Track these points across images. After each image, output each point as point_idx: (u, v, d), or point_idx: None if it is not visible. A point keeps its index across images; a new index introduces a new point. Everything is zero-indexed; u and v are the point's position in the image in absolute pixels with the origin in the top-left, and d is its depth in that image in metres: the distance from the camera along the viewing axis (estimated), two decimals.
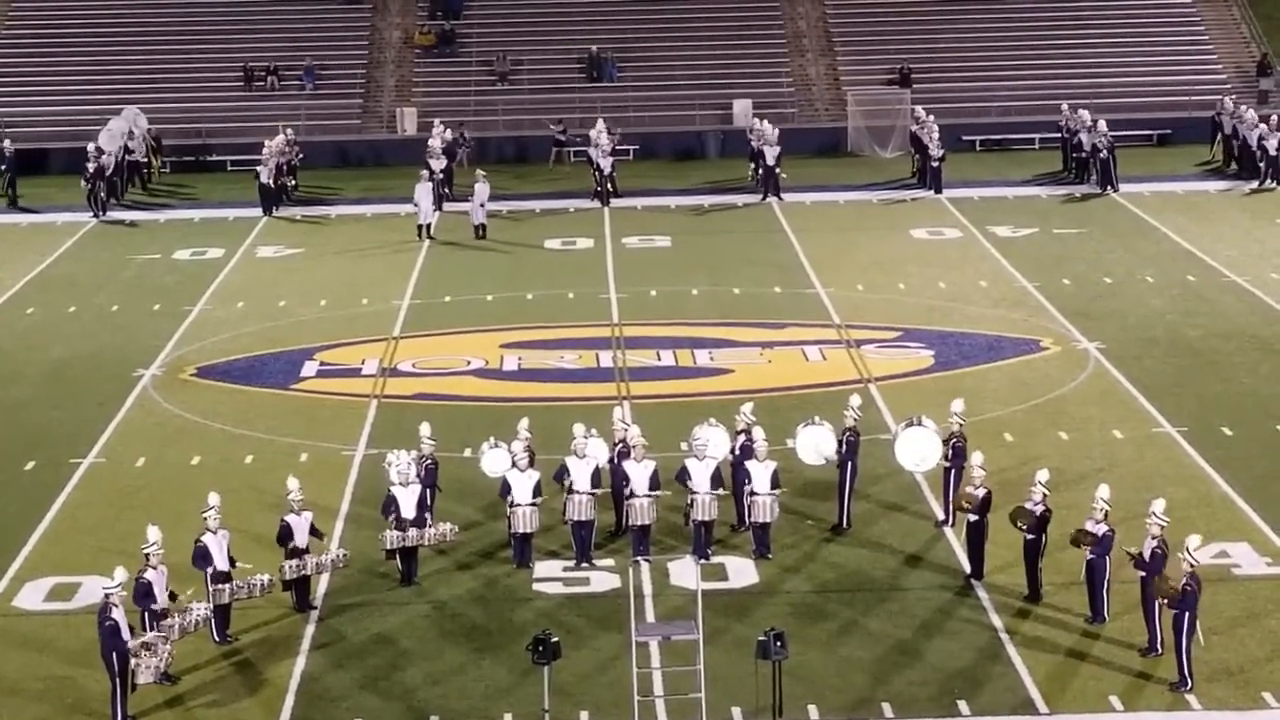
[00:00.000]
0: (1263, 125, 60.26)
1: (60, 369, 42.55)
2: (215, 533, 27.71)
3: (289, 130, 62.92)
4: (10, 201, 60.82)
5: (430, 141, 60.67)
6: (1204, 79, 69.79)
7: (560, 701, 25.04)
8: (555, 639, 24.52)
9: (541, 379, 40.93)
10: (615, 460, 30.88)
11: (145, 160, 63.98)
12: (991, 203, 58.65)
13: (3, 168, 61.31)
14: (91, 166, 58.76)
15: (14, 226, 58.56)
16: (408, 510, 29.37)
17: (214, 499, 28.19)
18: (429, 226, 55.03)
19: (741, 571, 29.80)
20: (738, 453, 31.07)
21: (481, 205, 54.97)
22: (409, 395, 39.84)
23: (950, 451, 31.29)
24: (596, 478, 30.19)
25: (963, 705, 25.22)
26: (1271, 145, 59.60)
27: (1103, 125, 59.85)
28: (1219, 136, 63.92)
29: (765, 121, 61.64)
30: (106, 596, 25.22)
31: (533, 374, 41.29)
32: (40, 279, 51.45)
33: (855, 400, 32.57)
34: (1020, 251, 51.84)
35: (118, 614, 25.08)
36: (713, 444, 30.66)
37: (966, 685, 25.78)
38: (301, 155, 62.47)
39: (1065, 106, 63.21)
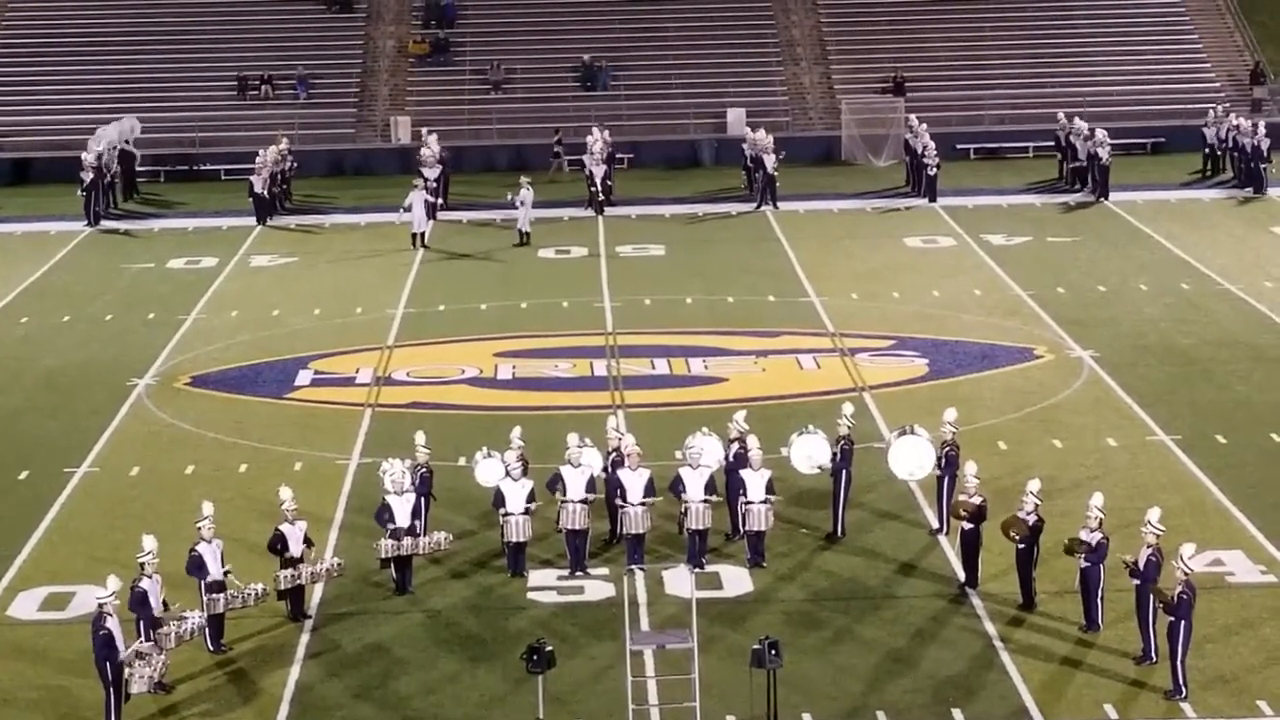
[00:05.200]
0: (1258, 131, 60.18)
1: (54, 378, 42.50)
2: (209, 542, 27.66)
3: (285, 140, 62.90)
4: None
5: (422, 150, 60.69)
6: (1198, 87, 69.87)
7: (555, 710, 25.01)
8: (550, 648, 24.55)
9: (536, 388, 40.88)
10: (610, 469, 30.88)
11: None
12: (985, 211, 58.68)
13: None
14: (88, 177, 58.78)
15: (7, 235, 58.53)
16: (402, 519, 29.36)
17: (208, 508, 28.14)
18: (423, 235, 55.00)
19: (736, 580, 29.77)
20: (731, 461, 31.09)
21: (526, 210, 55.18)
22: (403, 404, 39.80)
23: (943, 460, 31.31)
24: (591, 486, 30.18)
25: (957, 714, 25.20)
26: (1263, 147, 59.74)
27: (1102, 134, 59.84)
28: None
29: (761, 130, 61.71)
30: (101, 606, 25.18)
31: (527, 383, 41.26)
32: (34, 288, 51.39)
33: (849, 409, 32.61)
34: (1014, 260, 51.86)
35: (112, 623, 25.03)
36: (707, 453, 30.68)
37: (961, 693, 25.76)
38: (296, 165, 62.43)
39: (1061, 115, 63.14)
